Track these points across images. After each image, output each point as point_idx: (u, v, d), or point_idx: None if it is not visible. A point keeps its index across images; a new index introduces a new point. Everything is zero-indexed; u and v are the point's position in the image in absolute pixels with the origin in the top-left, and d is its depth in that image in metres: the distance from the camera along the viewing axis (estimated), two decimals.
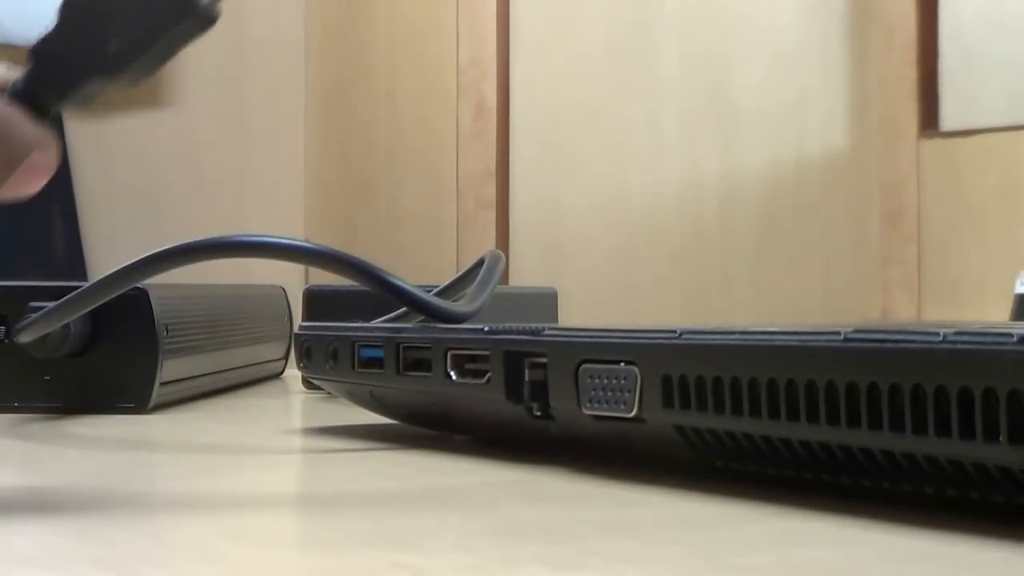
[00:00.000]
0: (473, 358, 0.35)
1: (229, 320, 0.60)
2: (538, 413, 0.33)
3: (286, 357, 0.72)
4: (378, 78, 2.05)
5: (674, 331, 0.29)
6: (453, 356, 0.35)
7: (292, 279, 0.76)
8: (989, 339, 0.23)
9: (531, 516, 0.27)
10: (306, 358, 0.41)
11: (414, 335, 0.37)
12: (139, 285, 0.45)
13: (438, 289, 0.44)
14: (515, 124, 1.91)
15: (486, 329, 0.34)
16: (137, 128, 1.96)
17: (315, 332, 0.40)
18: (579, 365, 0.31)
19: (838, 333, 0.25)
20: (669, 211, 1.76)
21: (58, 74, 0.30)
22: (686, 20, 1.75)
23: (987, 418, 0.23)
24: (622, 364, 0.30)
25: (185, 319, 0.51)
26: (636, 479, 0.30)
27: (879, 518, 0.25)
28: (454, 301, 0.43)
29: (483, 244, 1.85)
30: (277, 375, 0.72)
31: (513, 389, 0.33)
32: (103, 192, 1.97)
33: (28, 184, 0.29)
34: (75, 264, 1.92)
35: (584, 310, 1.70)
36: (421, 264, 1.87)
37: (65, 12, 0.30)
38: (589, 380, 0.31)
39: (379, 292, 0.41)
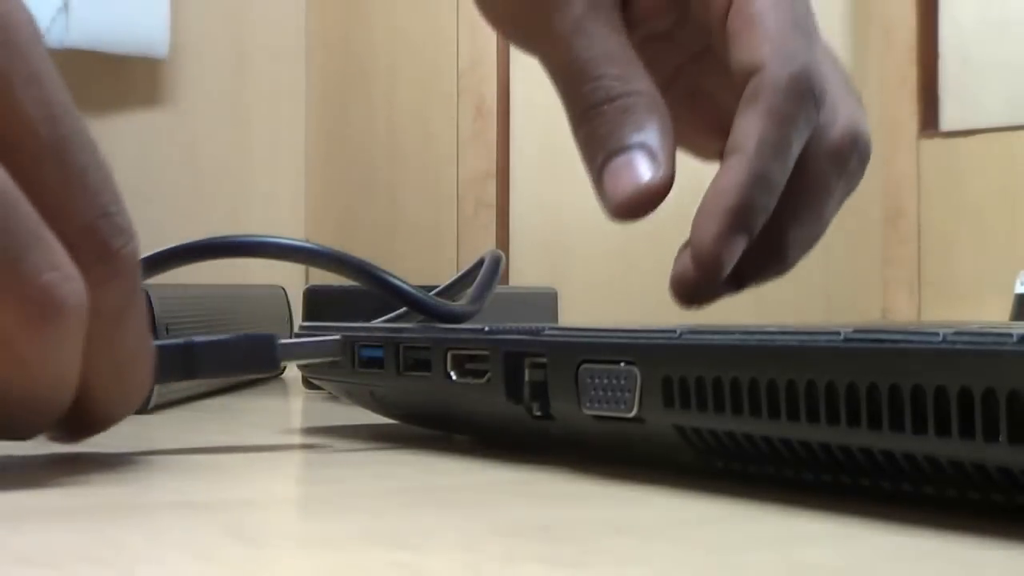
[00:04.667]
0: (473, 358, 0.35)
1: (229, 320, 0.60)
2: (538, 413, 0.33)
3: None
4: (378, 79, 2.04)
5: (674, 331, 0.29)
6: (453, 356, 0.35)
7: (292, 279, 0.76)
8: (989, 339, 0.23)
9: (531, 516, 0.27)
10: None
11: (414, 335, 0.37)
12: None
13: (438, 289, 0.44)
14: (515, 125, 1.90)
15: (486, 329, 0.34)
16: (137, 128, 1.96)
17: (315, 332, 0.40)
18: (579, 365, 0.31)
19: (838, 333, 0.25)
20: (669, 211, 1.75)
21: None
22: None
23: (987, 418, 0.23)
24: (622, 364, 0.30)
25: (185, 319, 0.51)
26: (636, 479, 0.30)
27: (879, 518, 0.25)
28: (454, 301, 0.43)
29: (483, 245, 1.85)
30: (277, 375, 0.72)
31: (513, 389, 0.33)
32: None
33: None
34: None
35: (584, 310, 1.70)
36: (421, 264, 1.87)
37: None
38: (589, 380, 0.31)
39: (379, 292, 0.42)
